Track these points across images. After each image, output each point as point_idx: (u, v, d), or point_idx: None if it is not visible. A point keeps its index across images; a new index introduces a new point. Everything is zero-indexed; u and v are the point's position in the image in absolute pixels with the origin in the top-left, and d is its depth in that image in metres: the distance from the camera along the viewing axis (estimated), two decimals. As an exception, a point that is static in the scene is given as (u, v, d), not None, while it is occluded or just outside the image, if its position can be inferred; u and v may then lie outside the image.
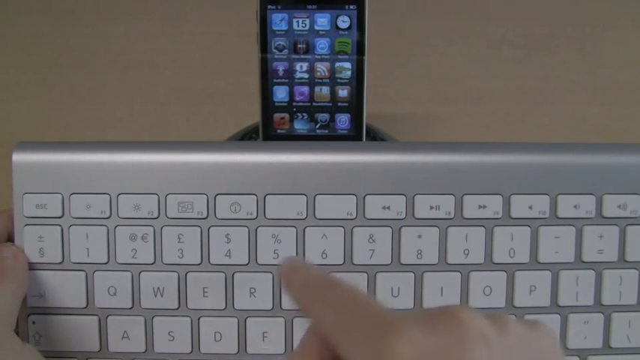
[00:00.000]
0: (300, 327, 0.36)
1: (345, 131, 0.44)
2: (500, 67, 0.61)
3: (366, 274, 0.36)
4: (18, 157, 0.36)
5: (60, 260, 0.36)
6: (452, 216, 0.36)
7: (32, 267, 0.36)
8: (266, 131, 0.44)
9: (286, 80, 0.43)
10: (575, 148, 0.37)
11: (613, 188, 0.36)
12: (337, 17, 0.42)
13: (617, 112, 0.58)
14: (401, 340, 0.23)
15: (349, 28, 0.42)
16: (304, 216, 0.36)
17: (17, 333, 0.34)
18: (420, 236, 0.36)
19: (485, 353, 0.24)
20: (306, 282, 0.30)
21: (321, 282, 0.29)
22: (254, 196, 0.36)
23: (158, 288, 0.36)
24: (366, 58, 0.42)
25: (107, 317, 0.37)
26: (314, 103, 0.43)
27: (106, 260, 0.36)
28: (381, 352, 0.24)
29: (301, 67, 0.43)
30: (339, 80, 0.43)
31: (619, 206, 0.36)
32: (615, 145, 0.37)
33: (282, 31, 0.42)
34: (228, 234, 0.36)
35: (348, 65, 0.43)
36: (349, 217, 0.36)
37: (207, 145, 0.37)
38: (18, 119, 0.58)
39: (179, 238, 0.36)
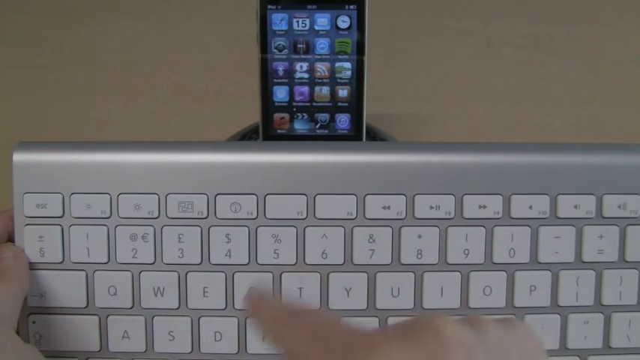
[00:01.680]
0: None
1: (345, 131, 0.44)
2: (500, 67, 0.61)
3: (366, 274, 0.36)
4: (18, 157, 0.36)
5: (60, 260, 0.36)
6: (452, 216, 0.36)
7: (32, 267, 0.36)
8: (266, 131, 0.44)
9: (286, 80, 0.43)
10: (575, 148, 0.37)
11: (613, 188, 0.36)
12: (337, 17, 0.42)
13: (617, 112, 0.58)
14: (378, 358, 0.23)
15: (349, 28, 0.42)
16: (304, 216, 0.36)
17: (18, 333, 0.34)
18: (420, 236, 0.36)
19: (465, 359, 0.23)
20: (276, 313, 0.29)
21: (290, 311, 0.29)
22: (254, 196, 0.36)
23: (158, 288, 0.36)
24: (366, 58, 0.42)
25: (107, 317, 0.37)
26: (314, 103, 0.43)
27: (106, 260, 0.36)
28: None
29: (301, 67, 0.43)
30: (339, 80, 0.43)
31: (619, 206, 0.36)
32: (615, 145, 0.37)
33: (282, 31, 0.42)
34: (228, 234, 0.36)
35: (348, 65, 0.43)
36: (349, 217, 0.36)
37: (207, 145, 0.37)
38: (18, 119, 0.58)
39: (179, 238, 0.36)
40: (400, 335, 0.24)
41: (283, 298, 0.33)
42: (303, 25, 0.42)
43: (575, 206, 0.36)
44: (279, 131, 0.44)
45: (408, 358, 0.23)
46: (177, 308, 0.37)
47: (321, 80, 0.43)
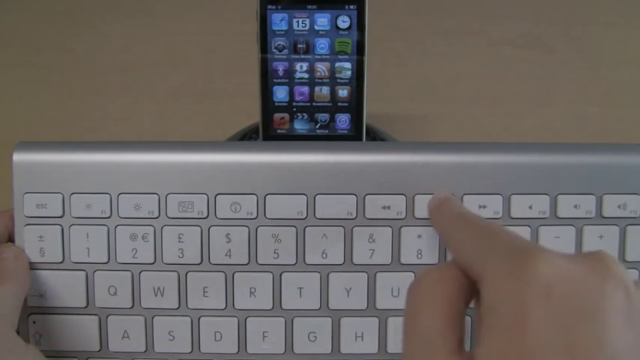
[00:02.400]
0: (300, 327, 0.37)
1: (345, 131, 0.44)
2: (500, 67, 0.61)
3: (365, 274, 0.36)
4: (18, 157, 0.36)
5: (60, 260, 0.36)
6: (452, 216, 0.36)
7: (33, 267, 0.36)
8: (266, 131, 0.44)
9: (286, 80, 0.43)
10: (576, 148, 0.37)
11: (613, 188, 0.36)
12: (337, 17, 0.42)
13: (617, 112, 0.58)
14: (541, 260, 0.24)
15: (349, 28, 0.42)
16: (304, 216, 0.36)
17: (18, 333, 0.34)
18: (420, 236, 0.36)
19: (623, 300, 0.23)
20: (456, 213, 0.32)
21: (469, 214, 0.32)
22: (254, 196, 0.36)
23: (158, 288, 0.36)
24: (366, 58, 0.42)
25: (107, 317, 0.37)
26: (314, 103, 0.43)
27: (106, 260, 0.36)
28: (520, 268, 0.24)
29: (301, 67, 0.43)
30: (339, 80, 0.43)
31: (619, 206, 0.36)
32: (615, 145, 0.37)
33: (282, 31, 0.42)
34: (228, 234, 0.36)
35: (348, 65, 0.43)
36: (349, 216, 0.36)
37: (208, 145, 0.37)
38: (18, 119, 0.58)
39: (179, 238, 0.36)
40: (567, 254, 0.25)
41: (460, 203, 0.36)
42: (303, 25, 0.42)
43: (575, 206, 0.36)
44: (279, 131, 0.44)
45: (569, 270, 0.24)
46: (177, 308, 0.37)
47: (321, 80, 0.43)
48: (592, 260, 0.25)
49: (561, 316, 0.23)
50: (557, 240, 0.36)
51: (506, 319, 0.24)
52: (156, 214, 0.36)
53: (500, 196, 0.36)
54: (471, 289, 0.28)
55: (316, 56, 0.42)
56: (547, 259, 0.24)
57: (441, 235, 0.33)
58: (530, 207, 0.36)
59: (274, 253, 0.36)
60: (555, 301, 0.23)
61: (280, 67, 0.43)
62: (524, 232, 0.36)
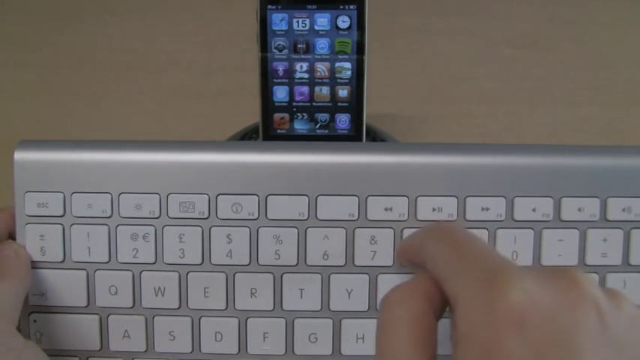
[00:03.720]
0: (301, 329, 0.36)
1: (345, 131, 0.44)
2: (500, 67, 0.61)
3: (367, 276, 0.36)
4: (19, 156, 0.36)
5: (61, 259, 0.36)
6: (454, 218, 0.36)
7: (33, 266, 0.36)
8: (266, 131, 0.44)
9: (286, 80, 0.43)
10: (580, 151, 0.37)
11: (617, 191, 0.36)
12: (337, 17, 0.42)
13: (617, 112, 0.58)
14: (513, 287, 0.24)
15: (349, 28, 0.42)
16: (306, 217, 0.36)
17: (19, 330, 0.34)
18: (421, 237, 0.36)
19: (595, 322, 0.24)
20: (428, 228, 0.32)
21: (442, 226, 0.31)
22: (255, 197, 0.36)
23: (159, 288, 0.36)
24: (366, 58, 0.42)
25: (108, 316, 0.37)
26: (314, 103, 0.43)
27: (107, 259, 0.36)
28: (492, 295, 0.24)
29: (301, 67, 0.43)
30: (339, 80, 0.43)
31: (623, 209, 0.36)
32: (620, 147, 0.37)
33: (282, 31, 0.42)
34: (229, 234, 0.36)
35: (348, 65, 0.43)
36: (351, 218, 0.36)
37: (209, 144, 0.37)
38: (18, 119, 0.58)
39: (180, 238, 0.36)
40: (540, 275, 0.25)
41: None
42: (303, 25, 0.42)
43: (579, 209, 0.36)
44: (279, 131, 0.44)
45: (541, 296, 0.24)
46: (178, 308, 0.37)
47: (321, 80, 0.43)
48: (563, 282, 0.25)
49: (535, 345, 0.23)
50: (560, 243, 0.36)
51: (479, 349, 0.24)
52: (157, 214, 0.36)
53: (504, 199, 0.36)
54: (442, 301, 0.27)
55: (316, 56, 0.42)
56: (518, 284, 0.24)
57: (418, 246, 0.32)
58: (534, 210, 0.36)
59: (275, 254, 0.36)
60: (528, 330, 0.23)
61: (280, 67, 0.43)
62: (527, 235, 0.36)
